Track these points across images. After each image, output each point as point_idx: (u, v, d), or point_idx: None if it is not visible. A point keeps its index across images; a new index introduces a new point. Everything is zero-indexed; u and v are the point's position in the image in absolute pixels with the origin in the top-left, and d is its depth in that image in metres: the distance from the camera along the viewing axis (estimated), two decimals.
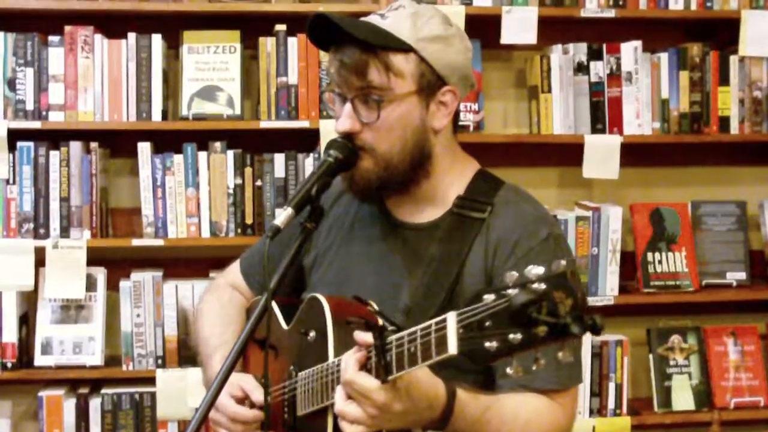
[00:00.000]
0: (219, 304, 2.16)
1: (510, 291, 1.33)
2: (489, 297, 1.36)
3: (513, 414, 1.74)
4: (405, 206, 1.93)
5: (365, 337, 1.59)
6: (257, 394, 1.88)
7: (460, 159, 1.96)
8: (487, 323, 1.35)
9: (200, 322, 2.16)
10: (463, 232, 1.86)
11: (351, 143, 1.82)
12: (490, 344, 1.35)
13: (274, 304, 1.99)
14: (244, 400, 1.91)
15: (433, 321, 1.47)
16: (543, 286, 1.30)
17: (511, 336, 1.32)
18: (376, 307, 1.63)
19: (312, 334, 1.82)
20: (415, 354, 1.49)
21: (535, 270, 1.32)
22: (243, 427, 1.89)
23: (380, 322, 1.61)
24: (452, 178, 1.92)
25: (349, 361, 1.60)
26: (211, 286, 2.26)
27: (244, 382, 1.91)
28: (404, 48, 1.81)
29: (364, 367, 1.59)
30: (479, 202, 1.88)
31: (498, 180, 1.95)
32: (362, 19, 1.86)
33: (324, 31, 1.83)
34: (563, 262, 1.31)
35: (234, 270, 2.22)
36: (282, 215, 1.73)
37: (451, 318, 1.42)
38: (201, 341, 2.13)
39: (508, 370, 1.38)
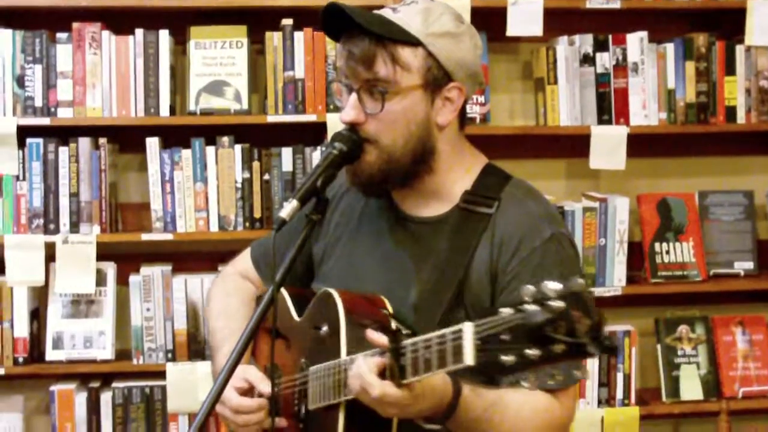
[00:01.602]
0: (225, 294, 2.17)
1: (528, 307, 1.34)
2: (506, 311, 1.37)
3: (515, 411, 1.75)
4: (412, 200, 1.94)
5: (380, 338, 1.61)
6: (263, 386, 1.89)
7: (466, 155, 1.95)
8: (504, 337, 1.37)
9: (208, 312, 2.19)
10: (471, 227, 1.86)
11: (355, 135, 1.83)
12: (507, 358, 1.36)
13: (286, 294, 2.01)
14: (248, 391, 1.91)
15: (449, 330, 1.48)
16: (561, 304, 1.31)
17: (528, 352, 1.34)
18: (390, 309, 1.63)
19: (324, 328, 1.83)
20: (430, 361, 1.52)
21: (552, 285, 1.32)
22: (247, 417, 1.89)
23: (394, 325, 1.62)
24: (458, 174, 1.92)
25: (367, 363, 1.62)
26: (220, 275, 2.27)
27: (249, 373, 1.91)
28: (412, 42, 1.82)
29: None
30: (486, 197, 1.88)
31: (505, 174, 1.95)
32: (374, 11, 1.87)
33: (336, 21, 1.84)
34: (580, 280, 1.33)
35: (244, 258, 2.23)
36: (287, 207, 1.73)
37: (468, 329, 1.43)
38: (209, 333, 2.15)
39: (525, 384, 1.40)
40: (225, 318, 2.11)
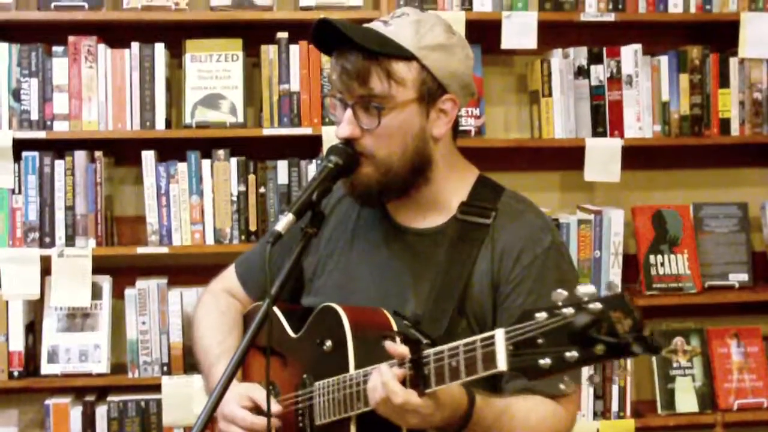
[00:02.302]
0: (217, 311, 2.14)
1: (565, 310, 1.37)
2: (541, 315, 1.40)
3: (524, 418, 1.77)
4: (407, 211, 1.94)
5: (401, 350, 1.62)
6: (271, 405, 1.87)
7: (460, 166, 1.97)
8: (540, 341, 1.40)
9: (199, 330, 2.14)
10: (469, 238, 1.87)
11: (351, 149, 1.83)
12: (544, 361, 1.39)
13: (277, 310, 1.99)
14: (252, 410, 1.88)
15: (478, 338, 1.51)
16: (599, 305, 1.34)
17: (568, 354, 1.37)
18: (410, 321, 1.64)
19: (328, 343, 1.82)
20: (458, 369, 1.54)
21: (585, 289, 1.37)
22: None
23: (415, 335, 1.62)
24: (453, 185, 1.93)
25: (387, 374, 1.62)
26: (206, 293, 2.23)
27: (253, 392, 1.90)
28: (406, 56, 1.82)
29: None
30: (483, 208, 1.90)
31: (499, 186, 1.97)
32: (365, 25, 1.87)
33: (327, 37, 1.85)
34: (617, 283, 1.38)
35: (229, 276, 2.21)
36: (283, 221, 1.72)
37: (500, 335, 1.46)
38: (201, 350, 2.11)
39: (562, 387, 1.45)
40: (219, 335, 2.08)
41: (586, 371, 3.39)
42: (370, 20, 1.93)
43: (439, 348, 1.57)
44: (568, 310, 1.36)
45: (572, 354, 1.36)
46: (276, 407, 1.87)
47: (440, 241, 1.89)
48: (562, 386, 1.76)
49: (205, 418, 1.61)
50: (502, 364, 1.45)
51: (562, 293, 1.38)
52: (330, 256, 2.02)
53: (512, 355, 1.44)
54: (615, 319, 1.33)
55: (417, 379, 1.59)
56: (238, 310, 2.16)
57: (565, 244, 1.96)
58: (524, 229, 1.88)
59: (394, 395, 1.60)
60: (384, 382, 1.61)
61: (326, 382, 1.80)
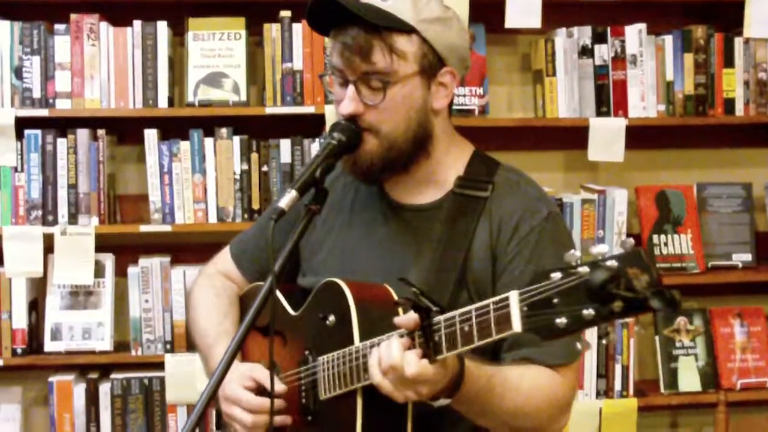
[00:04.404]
0: (214, 293, 2.14)
1: (580, 269, 1.37)
2: (556, 275, 1.40)
3: (516, 382, 1.76)
4: (405, 188, 1.95)
5: (410, 319, 1.60)
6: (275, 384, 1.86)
7: (456, 140, 1.98)
8: (555, 300, 1.39)
9: (196, 312, 2.14)
10: (467, 211, 1.88)
11: (354, 125, 1.83)
12: (560, 320, 1.39)
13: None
14: (255, 390, 1.88)
15: (490, 301, 1.51)
16: (615, 263, 1.34)
17: (585, 312, 1.36)
18: (418, 289, 1.63)
19: (331, 318, 1.82)
20: (470, 333, 1.53)
21: (599, 248, 1.37)
22: (260, 417, 1.85)
23: (425, 302, 1.60)
24: (451, 159, 1.94)
25: (394, 344, 1.61)
26: (201, 275, 2.22)
27: (256, 372, 1.89)
28: (407, 29, 1.82)
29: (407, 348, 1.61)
30: (480, 181, 1.90)
31: (494, 160, 1.98)
32: (363, 1, 1.87)
33: (324, 15, 1.84)
34: (632, 241, 1.36)
35: (224, 258, 2.21)
36: (286, 198, 1.71)
37: (514, 296, 1.46)
38: (199, 332, 2.10)
39: (579, 346, 1.46)
40: (216, 316, 2.08)
41: (590, 334, 3.40)
42: None
43: (449, 314, 1.57)
44: (584, 269, 1.36)
45: (589, 312, 1.36)
46: (279, 386, 1.87)
47: (438, 215, 1.90)
48: (556, 357, 1.77)
49: (206, 399, 1.61)
50: (516, 325, 1.45)
51: (575, 254, 1.39)
52: (327, 234, 2.02)
53: (526, 316, 1.44)
54: (632, 275, 1.32)
55: (427, 347, 1.58)
56: (234, 291, 2.16)
57: (560, 214, 1.98)
58: (521, 199, 1.89)
59: (408, 365, 1.58)
60: (392, 356, 1.59)
61: (331, 356, 1.80)
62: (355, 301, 1.78)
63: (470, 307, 1.55)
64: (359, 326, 1.76)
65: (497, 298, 1.50)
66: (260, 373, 1.89)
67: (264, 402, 1.85)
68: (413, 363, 1.58)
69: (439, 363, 1.59)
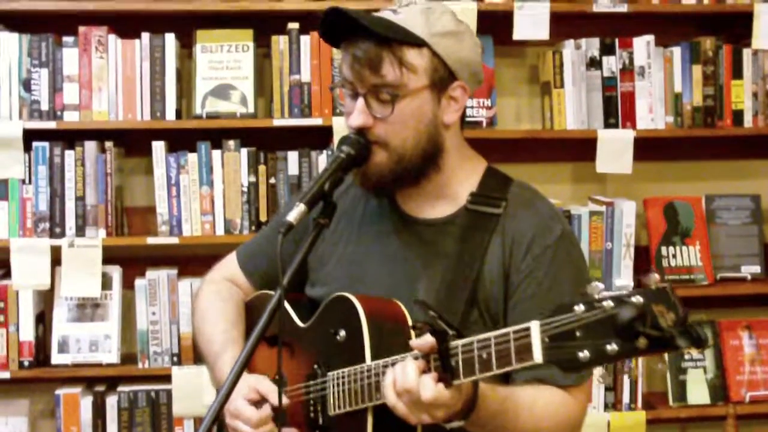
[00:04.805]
0: (220, 299, 2.12)
1: (605, 303, 1.36)
2: (579, 308, 1.39)
3: (529, 404, 1.76)
4: (416, 201, 1.94)
5: (426, 342, 1.59)
6: (275, 396, 1.84)
7: (468, 155, 1.97)
8: (578, 333, 1.39)
9: (201, 319, 2.12)
10: (480, 228, 1.87)
11: (363, 138, 1.83)
12: (583, 354, 1.38)
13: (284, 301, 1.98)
14: (259, 403, 1.87)
15: (510, 329, 1.50)
16: (641, 299, 1.33)
17: (608, 347, 1.36)
18: (436, 312, 1.62)
19: (342, 333, 1.81)
20: (489, 361, 1.52)
21: (623, 282, 1.37)
22: (261, 429, 1.84)
23: (441, 326, 1.60)
24: (463, 174, 1.93)
25: (409, 367, 1.60)
26: (205, 282, 2.20)
27: (260, 384, 1.88)
28: (418, 42, 1.81)
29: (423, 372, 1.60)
30: (493, 198, 1.89)
31: (507, 176, 1.97)
32: (375, 14, 1.87)
33: (335, 27, 1.84)
34: (657, 276, 1.36)
35: (230, 264, 2.19)
36: (294, 211, 1.71)
37: (535, 327, 1.45)
38: (204, 339, 2.09)
39: (600, 379, 1.42)
40: (222, 323, 2.07)
41: (598, 370, 3.39)
42: (379, 10, 1.92)
43: (467, 339, 1.56)
44: (608, 303, 1.36)
45: (613, 347, 1.35)
46: (284, 400, 1.85)
47: (450, 231, 1.89)
48: (568, 378, 1.76)
49: (214, 413, 1.59)
50: (538, 356, 1.44)
51: (598, 286, 1.38)
52: (336, 246, 2.01)
53: (548, 348, 1.43)
54: (658, 313, 1.31)
55: (444, 372, 1.57)
56: (240, 297, 2.15)
57: (573, 233, 1.97)
58: (534, 218, 1.88)
59: (424, 389, 1.57)
60: (407, 379, 1.58)
61: (342, 372, 1.79)
62: (367, 318, 1.77)
63: (489, 334, 1.53)
64: (371, 343, 1.75)
65: (517, 327, 1.49)
66: (265, 386, 1.87)
67: (265, 416, 1.84)
68: (429, 387, 1.57)
69: (454, 388, 1.58)
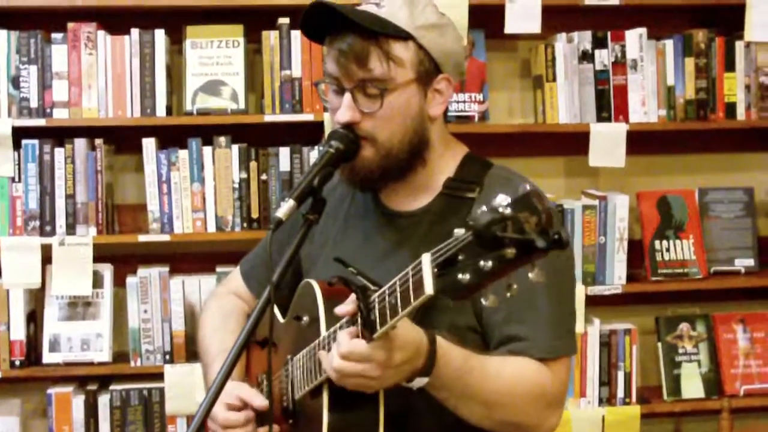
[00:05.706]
0: (221, 313, 2.15)
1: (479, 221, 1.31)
2: (460, 231, 1.35)
3: (497, 366, 1.73)
4: (399, 195, 1.92)
5: (347, 304, 1.59)
6: (258, 401, 1.88)
7: (451, 145, 1.95)
8: (460, 257, 1.34)
9: (202, 331, 2.16)
10: (454, 211, 1.85)
11: (352, 133, 1.81)
12: (463, 276, 1.33)
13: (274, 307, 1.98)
14: (242, 408, 1.89)
15: (409, 267, 1.45)
16: (508, 210, 1.28)
17: (482, 263, 1.31)
18: (355, 269, 1.60)
19: (305, 318, 1.81)
20: (396, 304, 1.48)
21: (501, 198, 1.30)
22: (236, 431, 1.88)
23: (360, 281, 1.58)
24: (444, 164, 1.91)
25: (342, 333, 1.60)
26: (211, 297, 2.25)
27: (241, 391, 1.90)
28: (403, 35, 1.80)
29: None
30: (468, 182, 1.87)
31: (487, 162, 1.95)
32: (358, 7, 1.85)
33: (319, 21, 1.82)
34: (528, 186, 1.32)
35: (234, 276, 2.22)
36: (284, 207, 1.70)
37: (426, 258, 1.40)
38: (202, 351, 2.12)
39: (484, 302, 1.37)
40: (220, 334, 2.09)
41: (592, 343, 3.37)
42: (360, 3, 1.89)
43: (381, 289, 1.53)
44: (483, 220, 1.31)
45: (486, 263, 1.30)
46: (261, 401, 1.87)
47: (426, 218, 1.88)
48: (547, 350, 1.73)
49: (199, 420, 1.60)
50: (428, 287, 1.38)
51: (482, 208, 1.32)
52: (324, 245, 2.01)
53: (437, 277, 1.38)
54: (523, 219, 1.27)
55: (363, 326, 1.55)
56: (243, 310, 2.17)
57: (554, 209, 1.94)
58: (507, 188, 1.85)
59: (338, 346, 1.56)
60: (336, 344, 1.58)
61: (301, 354, 1.79)
62: (323, 298, 1.77)
63: (396, 278, 1.49)
64: (327, 321, 1.73)
65: (415, 262, 1.44)
66: (245, 391, 1.90)
67: (237, 416, 1.87)
68: (343, 343, 1.56)
69: (378, 341, 1.54)
